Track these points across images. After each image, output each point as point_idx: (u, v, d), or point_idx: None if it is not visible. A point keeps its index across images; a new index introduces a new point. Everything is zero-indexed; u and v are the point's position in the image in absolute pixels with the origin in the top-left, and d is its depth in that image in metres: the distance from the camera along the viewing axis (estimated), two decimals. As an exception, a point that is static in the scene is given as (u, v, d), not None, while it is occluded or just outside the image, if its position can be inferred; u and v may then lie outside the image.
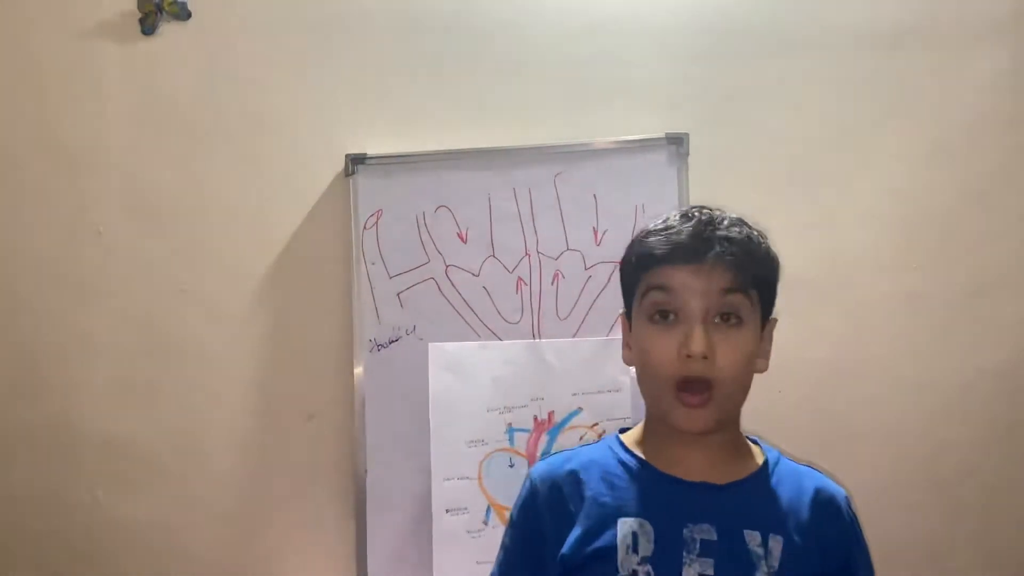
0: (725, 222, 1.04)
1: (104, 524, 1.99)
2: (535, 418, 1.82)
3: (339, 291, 1.93)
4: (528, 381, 1.82)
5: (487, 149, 1.90)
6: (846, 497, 1.09)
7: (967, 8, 1.89)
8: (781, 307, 1.87)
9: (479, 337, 1.86)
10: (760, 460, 1.09)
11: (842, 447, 1.87)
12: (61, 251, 2.03)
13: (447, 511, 1.79)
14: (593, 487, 1.06)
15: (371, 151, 1.92)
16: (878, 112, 1.90)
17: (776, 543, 1.00)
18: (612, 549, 1.00)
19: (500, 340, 1.86)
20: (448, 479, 1.80)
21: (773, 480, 1.06)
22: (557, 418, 1.82)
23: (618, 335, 1.79)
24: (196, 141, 2.02)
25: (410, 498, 1.83)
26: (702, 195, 1.82)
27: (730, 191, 1.89)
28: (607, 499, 1.04)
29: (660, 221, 1.07)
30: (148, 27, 2.02)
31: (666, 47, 1.94)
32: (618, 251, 1.83)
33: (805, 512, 1.04)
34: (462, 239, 1.89)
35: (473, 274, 1.88)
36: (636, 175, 1.85)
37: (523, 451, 1.81)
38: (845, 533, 1.06)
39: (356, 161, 1.92)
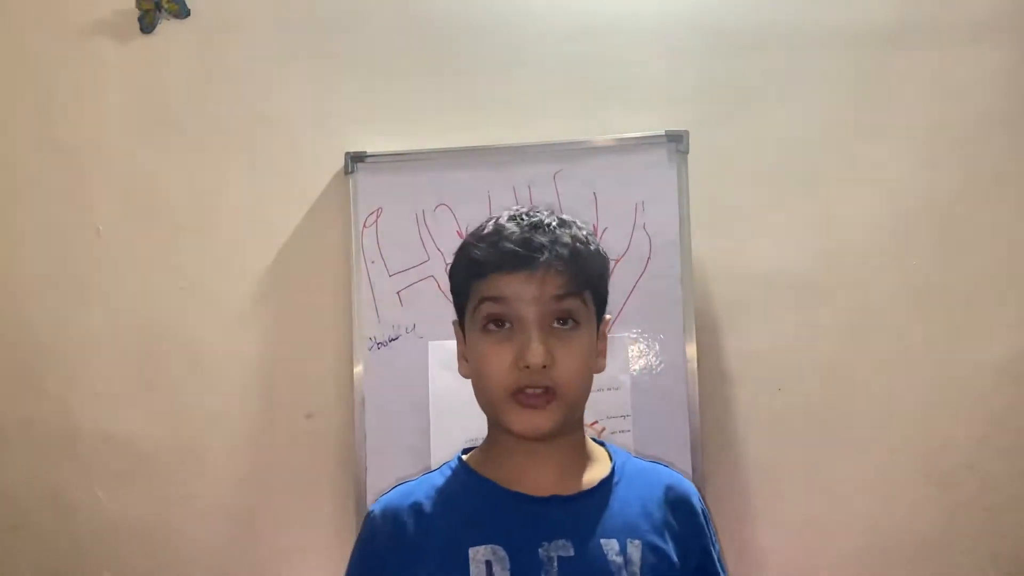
0: (553, 224, 1.00)
1: (103, 522, 1.99)
2: (535, 416, 1.81)
3: (339, 289, 1.93)
4: (528, 379, 1.82)
5: (487, 147, 1.89)
6: (697, 492, 1.07)
7: (967, 6, 1.89)
8: (779, 303, 1.89)
9: (479, 335, 1.85)
10: (608, 464, 1.05)
11: (842, 444, 1.87)
12: (60, 249, 2.03)
13: (447, 509, 1.78)
14: (439, 517, 1.00)
15: (371, 149, 1.92)
16: (878, 109, 1.90)
17: (635, 548, 0.97)
18: None
19: (500, 338, 1.85)
20: (448, 477, 1.79)
21: (623, 484, 1.03)
22: (557, 416, 1.81)
23: (618, 333, 1.81)
24: (195, 139, 2.02)
25: (410, 496, 1.83)
26: (702, 192, 1.84)
27: (730, 189, 1.91)
28: (455, 528, 0.98)
29: (489, 226, 1.02)
30: (147, 25, 2.02)
31: (666, 45, 1.94)
32: (619, 249, 1.86)
33: (659, 512, 1.02)
34: (462, 237, 1.88)
35: (473, 272, 1.88)
36: (636, 173, 1.85)
37: (523, 449, 1.81)
38: (700, 529, 1.04)
39: (356, 159, 1.91)
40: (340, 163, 1.93)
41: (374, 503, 1.06)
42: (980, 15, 1.88)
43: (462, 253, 1.03)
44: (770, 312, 1.89)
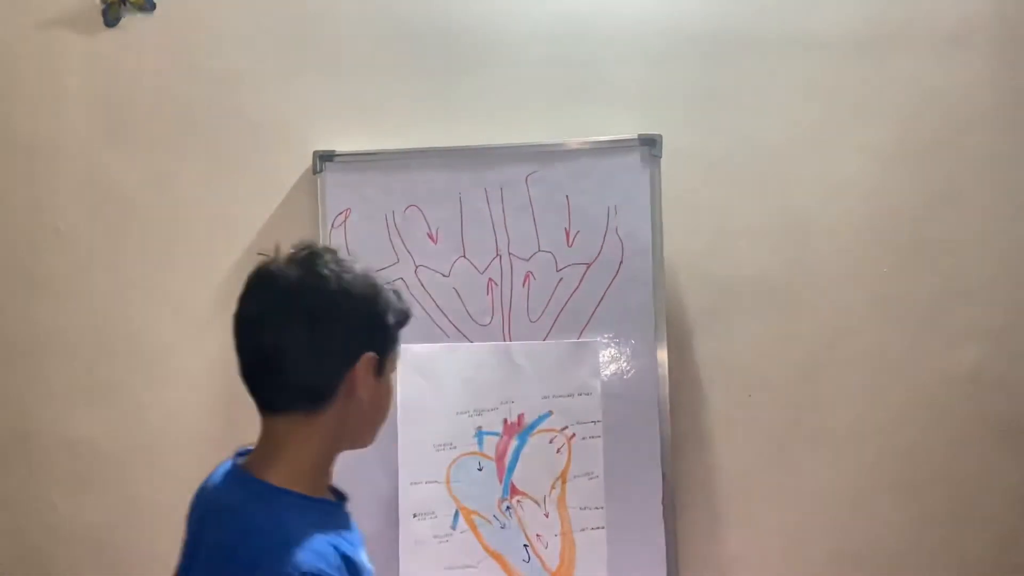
0: None
1: (61, 527, 1.96)
2: (505, 421, 1.80)
3: (306, 291, 1.90)
4: (498, 383, 1.81)
5: (459, 148, 1.88)
6: None
7: (938, 15, 1.91)
8: (750, 308, 1.89)
9: (449, 339, 1.84)
10: None
11: (813, 450, 1.88)
12: (18, 248, 1.99)
13: (414, 515, 1.77)
14: (357, 557, 1.01)
15: (340, 148, 1.89)
16: (850, 115, 1.91)
17: None
18: None
19: (470, 342, 1.84)
20: (415, 483, 1.77)
21: None
22: (527, 421, 1.80)
23: (591, 337, 1.80)
24: (160, 136, 1.98)
25: (377, 502, 1.80)
26: (674, 196, 1.84)
27: (702, 194, 1.91)
28: (363, 561, 1.03)
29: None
30: (111, 18, 1.98)
31: (640, 49, 1.94)
32: (591, 253, 1.85)
33: None
34: (432, 239, 1.87)
35: (443, 275, 1.86)
36: (609, 176, 1.84)
37: (492, 455, 1.79)
38: None
39: (324, 158, 1.89)
40: (308, 162, 1.90)
41: (297, 564, 0.91)
42: (951, 24, 1.90)
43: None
44: (741, 318, 1.89)
